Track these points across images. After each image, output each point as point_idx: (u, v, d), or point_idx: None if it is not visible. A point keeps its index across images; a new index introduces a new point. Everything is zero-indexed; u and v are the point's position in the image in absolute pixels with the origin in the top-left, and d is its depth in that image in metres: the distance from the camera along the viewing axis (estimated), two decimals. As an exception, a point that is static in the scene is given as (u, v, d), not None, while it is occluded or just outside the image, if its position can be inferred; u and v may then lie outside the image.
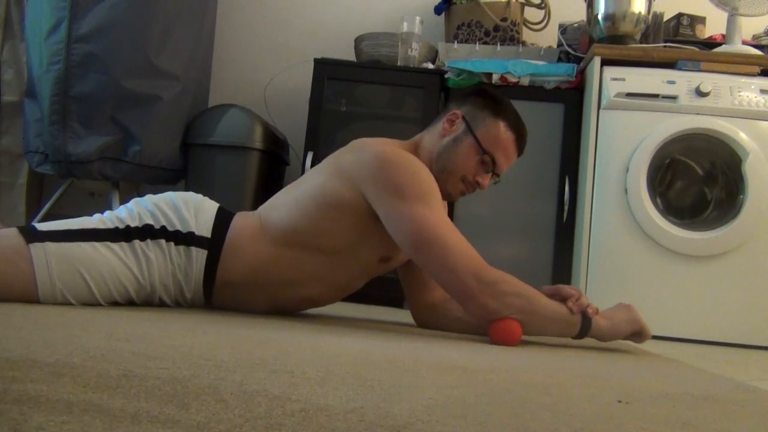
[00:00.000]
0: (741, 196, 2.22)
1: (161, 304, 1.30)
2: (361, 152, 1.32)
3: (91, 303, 1.18)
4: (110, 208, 1.31)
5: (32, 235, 1.15)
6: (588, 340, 1.29)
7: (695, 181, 2.43)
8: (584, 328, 1.25)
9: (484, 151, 1.37)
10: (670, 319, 2.21)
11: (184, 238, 1.27)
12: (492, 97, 1.42)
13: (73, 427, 0.42)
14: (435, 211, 1.24)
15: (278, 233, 1.32)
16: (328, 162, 1.38)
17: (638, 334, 1.31)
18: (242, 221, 1.35)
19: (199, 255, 1.28)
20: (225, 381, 0.60)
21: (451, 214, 1.64)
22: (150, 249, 1.23)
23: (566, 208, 2.44)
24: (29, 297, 1.12)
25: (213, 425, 0.46)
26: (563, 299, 1.27)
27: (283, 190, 1.44)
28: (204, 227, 1.30)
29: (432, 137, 1.43)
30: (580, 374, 0.96)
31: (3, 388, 0.48)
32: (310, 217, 1.31)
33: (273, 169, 2.79)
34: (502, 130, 1.38)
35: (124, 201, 1.33)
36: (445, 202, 1.55)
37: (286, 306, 1.45)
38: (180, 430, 0.44)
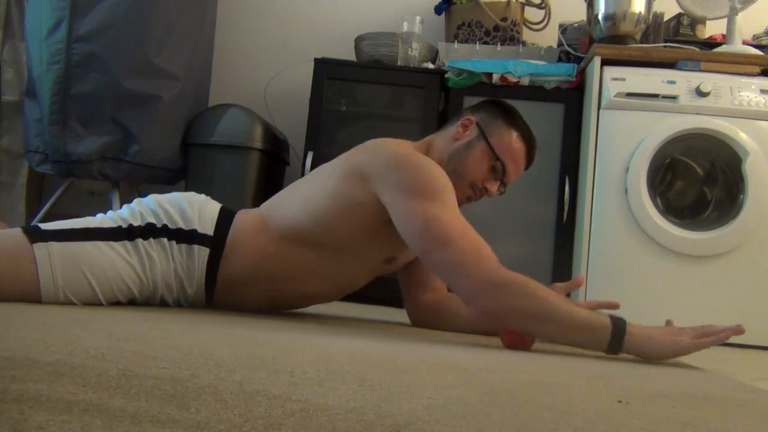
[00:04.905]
0: (741, 196, 2.22)
1: (162, 303, 1.30)
2: (374, 152, 1.32)
3: (93, 302, 1.18)
4: (110, 208, 1.31)
5: (36, 235, 1.15)
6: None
7: (695, 181, 2.43)
8: (616, 337, 1.09)
9: (497, 158, 1.38)
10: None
11: (187, 236, 1.27)
12: (506, 108, 1.44)
13: (73, 427, 0.42)
14: (448, 209, 1.22)
15: (282, 230, 1.32)
16: (339, 162, 1.36)
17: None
18: (245, 218, 1.35)
19: (202, 253, 1.28)
20: (225, 381, 0.60)
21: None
22: (152, 248, 1.24)
23: (566, 208, 2.44)
24: (31, 296, 1.12)
25: (213, 425, 0.46)
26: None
27: (288, 188, 1.44)
28: (207, 225, 1.30)
29: (444, 140, 1.43)
30: (580, 374, 0.96)
31: (3, 388, 0.48)
32: (317, 216, 1.30)
33: (273, 169, 2.78)
34: (515, 140, 1.39)
35: (124, 201, 1.33)
36: None
37: (286, 302, 1.45)
38: (180, 430, 0.44)
